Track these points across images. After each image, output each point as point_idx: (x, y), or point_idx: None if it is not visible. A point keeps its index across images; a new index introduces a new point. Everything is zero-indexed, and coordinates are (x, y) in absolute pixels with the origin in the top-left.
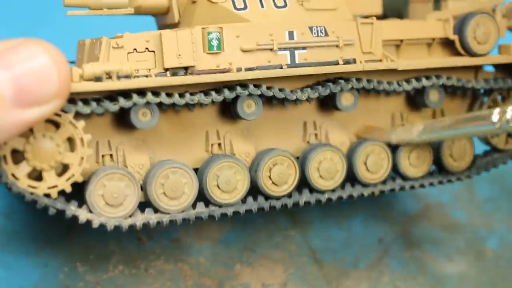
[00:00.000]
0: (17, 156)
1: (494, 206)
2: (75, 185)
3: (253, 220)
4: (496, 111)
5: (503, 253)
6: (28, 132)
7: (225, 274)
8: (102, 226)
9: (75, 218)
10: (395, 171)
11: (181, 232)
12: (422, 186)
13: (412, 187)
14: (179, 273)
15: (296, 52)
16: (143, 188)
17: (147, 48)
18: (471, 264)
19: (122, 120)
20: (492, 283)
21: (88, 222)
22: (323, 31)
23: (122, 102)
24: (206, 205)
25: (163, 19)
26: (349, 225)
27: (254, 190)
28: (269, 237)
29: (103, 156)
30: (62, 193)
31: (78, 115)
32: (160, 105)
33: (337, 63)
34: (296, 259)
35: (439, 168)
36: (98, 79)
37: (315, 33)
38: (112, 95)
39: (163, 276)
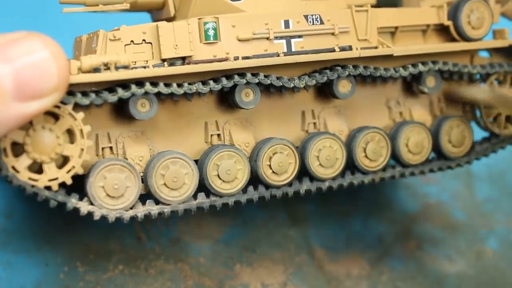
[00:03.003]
0: (17, 148)
1: (494, 206)
2: (75, 178)
3: (253, 220)
4: None
5: (503, 253)
6: (28, 125)
7: (225, 274)
8: (102, 220)
9: (75, 213)
10: (395, 159)
11: (181, 232)
12: (422, 172)
13: (412, 174)
14: (179, 273)
15: (292, 40)
16: (143, 179)
17: (144, 40)
18: (471, 264)
19: (121, 112)
20: (492, 283)
21: (89, 216)
22: (318, 19)
23: (121, 92)
24: (207, 196)
25: (158, 14)
26: (349, 225)
27: (255, 180)
28: (269, 236)
29: (103, 148)
30: (63, 186)
31: (77, 107)
32: (158, 95)
33: (333, 51)
34: (296, 259)
35: (439, 155)
36: (96, 70)
37: (310, 21)
38: (110, 87)
39: (163, 276)
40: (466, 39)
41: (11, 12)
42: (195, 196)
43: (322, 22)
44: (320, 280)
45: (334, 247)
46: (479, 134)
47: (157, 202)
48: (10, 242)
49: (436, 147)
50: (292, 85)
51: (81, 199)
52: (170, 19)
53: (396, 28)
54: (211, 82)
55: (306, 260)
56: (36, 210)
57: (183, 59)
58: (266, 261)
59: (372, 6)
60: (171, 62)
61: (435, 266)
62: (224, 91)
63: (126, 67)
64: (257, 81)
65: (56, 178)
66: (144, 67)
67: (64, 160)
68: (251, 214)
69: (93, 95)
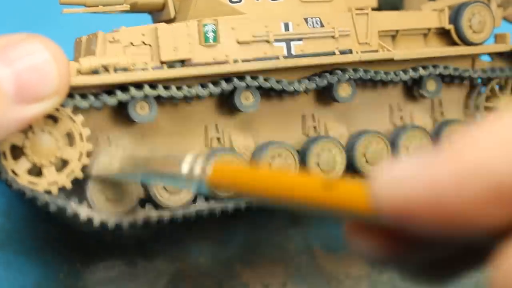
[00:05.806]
0: (17, 151)
1: None
2: (75, 182)
3: (253, 220)
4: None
5: None
6: (27, 127)
7: (225, 274)
8: (102, 223)
9: (75, 215)
10: None
11: (181, 232)
12: None
13: None
14: (179, 273)
15: (292, 43)
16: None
17: (143, 42)
18: None
19: (121, 115)
20: None
21: (89, 220)
22: (318, 22)
23: (120, 95)
24: (207, 200)
25: (158, 16)
26: None
27: None
28: (269, 237)
29: None
30: (63, 190)
31: (76, 110)
32: (158, 98)
33: (333, 54)
34: (296, 259)
35: None
36: (95, 72)
37: (310, 24)
38: (109, 89)
39: (163, 276)
40: (467, 43)
41: (12, 12)
42: (194, 201)
43: (322, 25)
44: (320, 280)
45: (334, 247)
46: None
47: (157, 206)
48: (10, 242)
49: None
50: (292, 88)
51: (80, 202)
52: (170, 21)
53: (397, 31)
54: (210, 85)
55: (306, 260)
56: (35, 210)
57: (182, 62)
58: (266, 261)
59: (374, 9)
60: (170, 64)
61: None
62: (224, 94)
63: (125, 70)
64: (256, 84)
65: (56, 182)
66: (143, 69)
67: (63, 164)
68: (252, 214)
69: (92, 98)
